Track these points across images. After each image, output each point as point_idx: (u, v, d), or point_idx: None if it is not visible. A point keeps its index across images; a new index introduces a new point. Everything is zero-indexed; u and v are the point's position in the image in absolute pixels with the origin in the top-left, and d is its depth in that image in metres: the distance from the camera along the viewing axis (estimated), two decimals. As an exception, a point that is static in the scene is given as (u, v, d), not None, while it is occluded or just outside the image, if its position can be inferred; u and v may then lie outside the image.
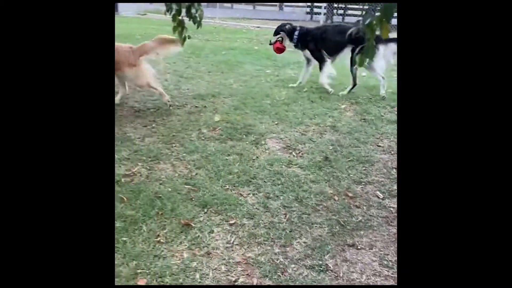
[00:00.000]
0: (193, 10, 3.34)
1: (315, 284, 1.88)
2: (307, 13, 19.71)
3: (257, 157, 3.13)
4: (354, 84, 5.00)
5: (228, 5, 22.39)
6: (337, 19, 16.75)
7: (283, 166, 3.01)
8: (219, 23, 13.44)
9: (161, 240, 2.11)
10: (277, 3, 24.09)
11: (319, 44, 4.98)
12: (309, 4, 20.03)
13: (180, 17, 3.36)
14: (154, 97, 4.46)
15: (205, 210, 2.40)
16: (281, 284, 1.87)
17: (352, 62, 4.84)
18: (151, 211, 2.33)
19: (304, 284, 1.88)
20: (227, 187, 2.68)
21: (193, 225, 2.24)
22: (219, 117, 3.90)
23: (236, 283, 1.86)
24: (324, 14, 14.65)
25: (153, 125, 3.63)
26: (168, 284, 1.82)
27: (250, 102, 4.45)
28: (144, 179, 2.69)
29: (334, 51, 4.95)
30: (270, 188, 2.69)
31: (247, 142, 3.37)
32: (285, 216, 2.40)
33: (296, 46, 5.11)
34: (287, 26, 5.12)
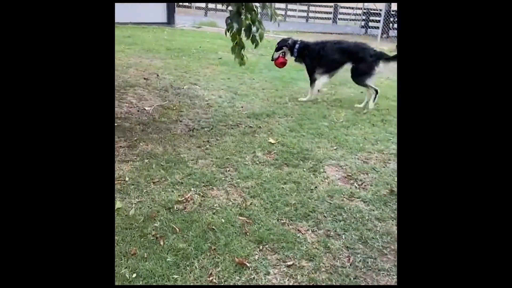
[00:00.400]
0: (253, 29, 3.21)
1: None
2: (362, 27, 19.24)
3: (315, 187, 2.91)
4: (376, 92, 4.93)
5: (281, 17, 22.37)
6: (393, 33, 16.17)
7: (345, 199, 2.76)
8: (273, 37, 13.38)
9: (214, 280, 1.95)
10: (331, 17, 23.79)
11: (315, 60, 5.05)
12: (364, 18, 19.56)
13: (239, 37, 3.25)
14: (208, 115, 4.38)
15: (261, 247, 2.22)
16: None
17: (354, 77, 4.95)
18: (204, 245, 2.18)
19: None
20: (284, 220, 2.48)
21: (248, 264, 2.06)
22: (274, 140, 3.73)
23: None
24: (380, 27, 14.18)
25: (207, 146, 3.52)
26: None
27: (306, 123, 4.24)
28: (197, 207, 2.56)
29: (331, 68, 5.02)
30: (331, 225, 2.46)
31: (304, 169, 3.16)
32: (348, 259, 2.16)
33: (296, 60, 5.21)
34: (289, 41, 5.18)
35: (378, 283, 2.00)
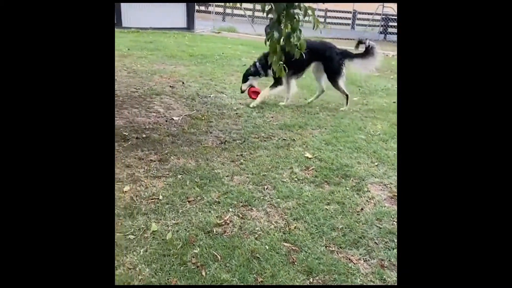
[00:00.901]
0: (292, 39, 3.02)
1: None
2: (381, 32, 18.90)
3: (361, 208, 2.69)
4: (347, 96, 5.10)
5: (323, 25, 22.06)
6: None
7: (394, 222, 2.54)
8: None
9: (263, 319, 1.75)
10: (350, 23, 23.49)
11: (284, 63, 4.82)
12: (382, 23, 19.21)
13: (279, 46, 3.06)
14: (238, 126, 4.20)
15: (311, 279, 2.02)
16: None
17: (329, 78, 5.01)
18: (249, 276, 1.99)
19: None
20: (332, 247, 2.27)
21: (300, 300, 1.86)
22: (310, 154, 3.52)
23: None
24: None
25: (241, 160, 3.34)
26: None
27: (341, 136, 4.03)
28: (237, 231, 2.37)
29: (300, 69, 5.00)
30: (384, 253, 2.24)
31: (347, 188, 2.95)
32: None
33: (267, 75, 5.07)
34: (251, 69, 5.06)
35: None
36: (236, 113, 4.67)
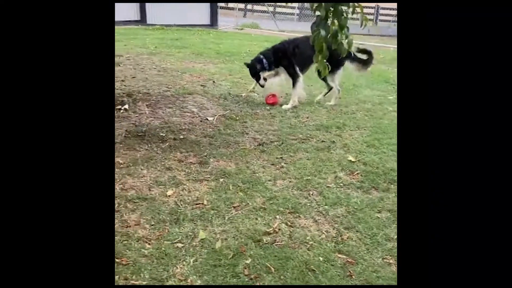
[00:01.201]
0: (339, 37, 2.89)
1: None
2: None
3: (415, 217, 2.55)
4: (330, 88, 5.09)
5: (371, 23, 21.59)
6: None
7: (452, 233, 2.39)
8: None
9: (326, 338, 1.64)
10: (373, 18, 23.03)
11: (292, 58, 4.79)
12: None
13: (324, 44, 2.93)
14: (274, 127, 4.09)
15: (372, 294, 1.90)
16: None
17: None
18: (306, 290, 1.89)
19: None
20: (389, 260, 2.15)
21: (363, 319, 1.75)
22: (353, 157, 3.39)
23: None
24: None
25: (282, 164, 3.23)
26: None
27: (383, 138, 3.87)
28: (287, 240, 2.26)
29: (306, 65, 4.82)
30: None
31: (396, 194, 2.81)
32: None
33: (273, 69, 4.86)
34: (257, 67, 4.76)
35: None
36: (270, 113, 4.56)
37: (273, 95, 4.96)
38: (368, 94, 5.67)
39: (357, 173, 3.11)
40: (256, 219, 2.45)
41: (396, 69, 6.82)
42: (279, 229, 2.36)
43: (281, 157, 3.35)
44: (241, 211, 2.52)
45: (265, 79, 4.88)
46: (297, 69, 4.83)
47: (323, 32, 2.78)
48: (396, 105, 5.10)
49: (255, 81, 5.00)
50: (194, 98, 4.91)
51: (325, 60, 3.04)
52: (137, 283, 1.90)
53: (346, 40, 2.88)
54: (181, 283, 1.91)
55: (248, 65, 4.90)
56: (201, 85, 5.50)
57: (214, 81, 5.74)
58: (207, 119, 4.21)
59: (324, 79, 4.94)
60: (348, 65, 5.03)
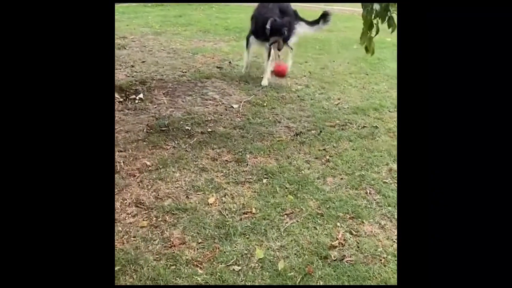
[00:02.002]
0: (389, 11, 2.51)
1: None
2: None
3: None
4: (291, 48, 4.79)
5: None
6: None
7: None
8: (320, 8, 12.41)
9: None
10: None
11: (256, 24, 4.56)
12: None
13: (374, 20, 2.56)
14: (306, 112, 3.75)
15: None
16: None
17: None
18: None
19: None
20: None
21: None
22: (403, 145, 3.06)
23: None
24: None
25: (327, 157, 2.91)
26: None
27: (428, 119, 3.53)
28: (356, 254, 1.98)
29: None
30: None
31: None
32: None
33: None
34: (283, 30, 4.31)
35: None
36: (298, 96, 4.20)
37: (279, 68, 4.48)
38: (394, 67, 5.28)
39: (412, 164, 2.79)
40: (315, 228, 2.15)
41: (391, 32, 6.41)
42: (345, 240, 2.07)
43: (324, 149, 3.02)
44: (296, 219, 2.22)
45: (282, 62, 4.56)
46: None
47: (377, 6, 2.40)
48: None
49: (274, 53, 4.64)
50: (213, 82, 4.54)
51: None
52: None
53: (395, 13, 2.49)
54: (248, 318, 1.63)
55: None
56: (217, 67, 5.11)
57: (230, 62, 5.34)
58: (232, 107, 3.86)
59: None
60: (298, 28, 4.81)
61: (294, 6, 5.23)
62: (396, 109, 3.81)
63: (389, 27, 2.63)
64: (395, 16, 2.58)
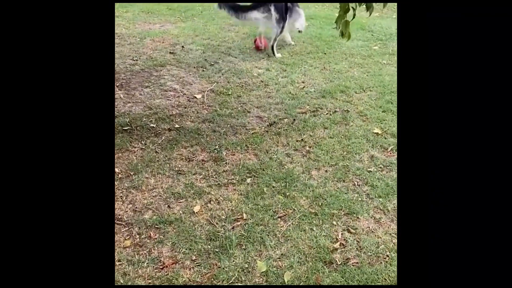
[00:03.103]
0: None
1: None
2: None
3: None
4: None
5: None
6: None
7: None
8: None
9: None
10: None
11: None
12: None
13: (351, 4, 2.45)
14: (274, 99, 3.61)
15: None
16: None
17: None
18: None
19: None
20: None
21: None
22: (378, 128, 3.04)
23: None
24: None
25: (307, 147, 2.81)
26: None
27: (395, 99, 3.54)
28: (360, 255, 1.91)
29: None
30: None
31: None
32: None
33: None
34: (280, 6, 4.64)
35: None
36: (261, 81, 4.04)
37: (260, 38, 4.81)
38: (351, 45, 5.25)
39: (391, 149, 2.78)
40: (312, 229, 2.06)
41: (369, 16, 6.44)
42: (345, 240, 2.00)
43: (301, 139, 2.92)
44: (291, 221, 2.11)
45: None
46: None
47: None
48: (387, 56, 4.78)
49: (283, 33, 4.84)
50: (169, 70, 4.23)
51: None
52: None
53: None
54: None
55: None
56: (170, 53, 4.78)
57: (183, 46, 5.02)
58: (195, 97, 3.62)
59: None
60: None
61: None
62: (361, 91, 3.79)
63: (367, 10, 2.53)
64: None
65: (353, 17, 2.60)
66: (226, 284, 1.74)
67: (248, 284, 1.76)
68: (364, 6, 2.50)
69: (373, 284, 1.78)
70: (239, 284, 1.76)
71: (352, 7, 2.50)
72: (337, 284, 1.77)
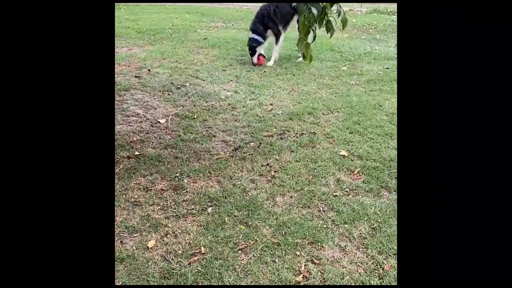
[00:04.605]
0: (329, 14, 2.38)
1: None
2: None
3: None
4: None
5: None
6: None
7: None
8: (234, 6, 12.28)
9: None
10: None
11: (277, 19, 5.25)
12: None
13: (310, 25, 2.41)
14: (240, 122, 3.52)
15: None
16: None
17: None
18: None
19: None
20: None
21: None
22: (345, 151, 2.98)
23: None
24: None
25: (272, 173, 2.71)
26: None
27: (362, 120, 3.52)
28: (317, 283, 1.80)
29: (287, 21, 5.36)
30: None
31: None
32: None
33: (266, 38, 5.29)
34: (253, 44, 5.20)
35: None
36: (229, 104, 3.96)
37: (261, 56, 5.30)
38: (319, 66, 5.28)
39: (358, 172, 2.71)
40: (274, 261, 1.94)
41: (340, 35, 6.53)
42: (308, 272, 1.89)
43: (267, 164, 2.82)
44: (252, 254, 1.99)
45: (262, 55, 5.27)
46: (280, 27, 5.28)
47: (315, 11, 2.24)
48: (355, 76, 4.79)
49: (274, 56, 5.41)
50: (133, 95, 4.12)
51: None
52: None
53: (340, 18, 2.36)
54: None
55: (249, 48, 5.25)
56: (136, 76, 4.67)
57: (149, 70, 4.92)
58: (159, 122, 3.50)
59: (277, 39, 5.39)
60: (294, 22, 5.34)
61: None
62: (329, 112, 3.75)
63: (327, 31, 2.50)
64: (332, 19, 2.46)
65: (314, 39, 2.56)
66: (226, 284, 1.74)
67: None
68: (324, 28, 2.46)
69: None
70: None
71: (312, 29, 2.45)
72: (330, 284, 1.64)
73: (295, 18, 5.22)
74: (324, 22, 2.42)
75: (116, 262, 1.93)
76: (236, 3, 12.37)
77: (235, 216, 2.26)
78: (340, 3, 2.35)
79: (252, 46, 5.19)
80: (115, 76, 4.66)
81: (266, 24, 5.21)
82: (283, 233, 2.13)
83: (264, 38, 5.22)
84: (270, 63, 5.33)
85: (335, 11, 2.36)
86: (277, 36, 5.31)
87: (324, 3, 2.33)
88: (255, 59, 5.23)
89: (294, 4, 5.06)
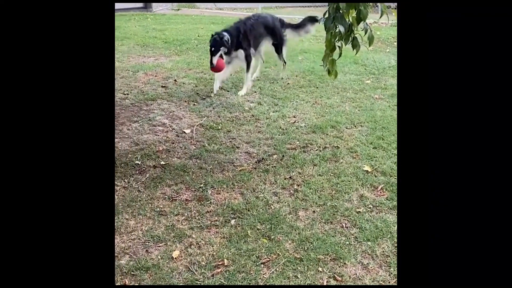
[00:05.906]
0: (356, 31, 2.40)
1: None
2: None
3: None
4: (284, 63, 5.17)
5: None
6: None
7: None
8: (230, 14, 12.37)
9: None
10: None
11: (249, 40, 4.57)
12: None
13: (337, 42, 2.44)
14: (264, 134, 3.56)
15: None
16: None
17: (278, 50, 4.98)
18: None
19: None
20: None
21: None
22: (368, 166, 2.97)
23: None
24: None
25: (295, 186, 2.73)
26: None
27: (386, 135, 3.50)
28: (346, 305, 1.80)
29: (257, 44, 4.78)
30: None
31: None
32: None
33: (231, 54, 4.46)
34: (224, 38, 4.26)
35: None
36: (252, 115, 4.00)
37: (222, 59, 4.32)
38: (343, 79, 5.27)
39: (381, 188, 2.70)
40: (296, 277, 1.96)
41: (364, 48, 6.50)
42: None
43: (289, 177, 2.84)
44: (274, 268, 2.01)
45: (222, 56, 4.29)
46: (252, 50, 4.64)
47: (341, 28, 2.27)
48: (379, 90, 4.77)
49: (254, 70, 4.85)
50: (160, 105, 4.21)
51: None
52: None
53: (366, 35, 2.38)
54: None
55: (212, 44, 4.24)
56: (162, 86, 4.77)
57: (175, 80, 5.02)
58: (184, 132, 3.57)
59: (279, 56, 5.05)
60: (288, 34, 5.04)
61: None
62: (352, 126, 3.75)
63: (353, 48, 2.52)
64: (358, 36, 2.48)
65: (339, 56, 2.58)
66: (229, 284, 1.79)
67: None
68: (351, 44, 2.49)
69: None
70: None
71: (338, 46, 2.48)
72: (330, 284, 1.65)
73: (265, 42, 4.82)
74: (350, 39, 2.45)
75: (141, 271, 1.98)
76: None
77: (258, 229, 2.29)
78: (366, 21, 2.36)
79: (217, 41, 4.19)
80: (143, 85, 4.78)
81: (241, 41, 4.46)
82: (306, 248, 2.14)
83: (230, 50, 4.36)
84: (242, 92, 4.54)
85: (362, 28, 2.37)
86: (248, 61, 4.57)
87: (351, 21, 2.35)
88: (215, 59, 4.17)
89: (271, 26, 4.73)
